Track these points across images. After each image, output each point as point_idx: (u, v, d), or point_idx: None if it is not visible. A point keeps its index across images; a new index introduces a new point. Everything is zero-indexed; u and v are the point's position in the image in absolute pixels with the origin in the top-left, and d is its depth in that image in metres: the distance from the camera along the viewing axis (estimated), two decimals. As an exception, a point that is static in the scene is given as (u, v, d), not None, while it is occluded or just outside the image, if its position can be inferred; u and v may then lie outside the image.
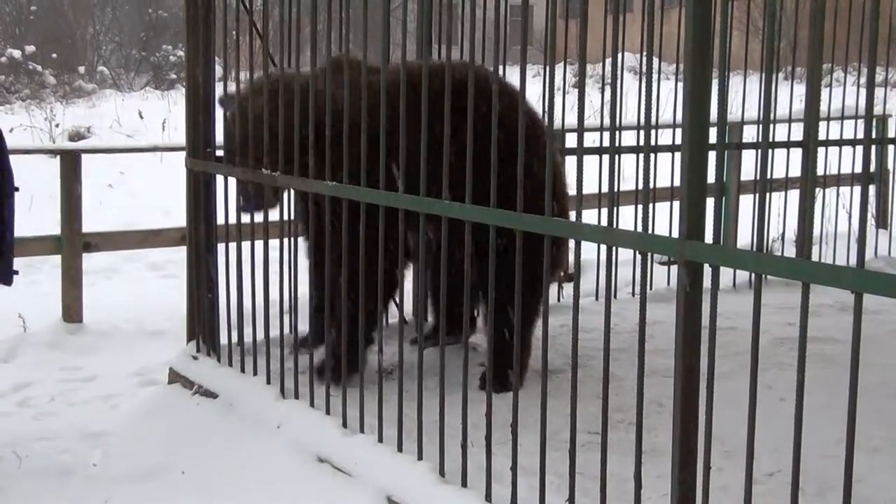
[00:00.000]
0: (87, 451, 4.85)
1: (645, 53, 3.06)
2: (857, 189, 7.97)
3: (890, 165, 9.20)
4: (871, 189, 9.05)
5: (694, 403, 2.85)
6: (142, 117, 17.41)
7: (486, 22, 6.27)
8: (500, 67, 3.62)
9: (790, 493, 2.57)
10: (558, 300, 6.49)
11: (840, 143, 7.53)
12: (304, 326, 4.77)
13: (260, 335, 4.88)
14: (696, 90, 2.77)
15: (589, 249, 4.65)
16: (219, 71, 5.40)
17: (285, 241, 4.61)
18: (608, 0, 5.95)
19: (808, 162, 2.50)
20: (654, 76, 3.48)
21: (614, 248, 3.47)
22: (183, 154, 5.45)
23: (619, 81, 3.80)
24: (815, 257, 6.97)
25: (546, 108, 3.78)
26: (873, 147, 8.93)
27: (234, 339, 5.17)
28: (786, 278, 2.55)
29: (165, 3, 32.65)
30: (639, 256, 3.90)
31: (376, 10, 4.65)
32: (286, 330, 4.66)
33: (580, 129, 3.23)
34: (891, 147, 9.17)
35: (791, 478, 2.58)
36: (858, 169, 7.91)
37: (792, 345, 5.13)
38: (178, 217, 7.08)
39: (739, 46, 7.30)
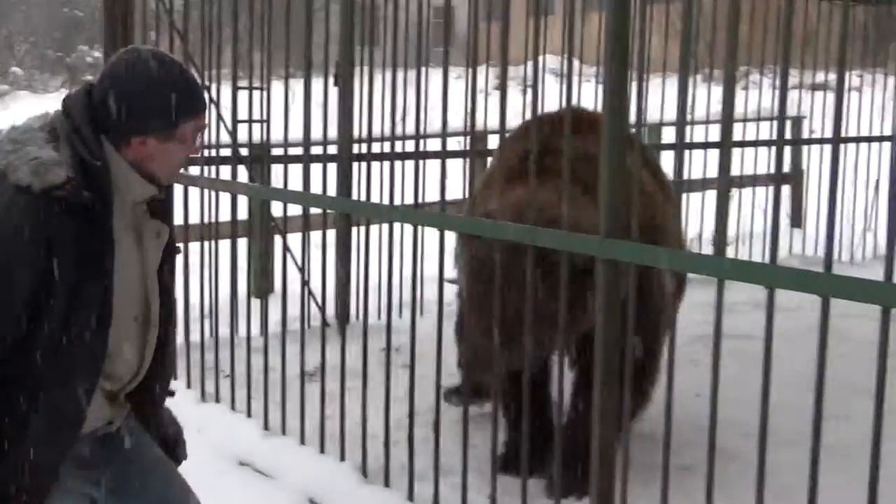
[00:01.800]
0: None
1: (565, 56, 3.09)
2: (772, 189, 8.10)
3: (804, 165, 9.39)
4: (786, 189, 9.23)
5: (613, 398, 2.88)
6: (58, 119, 17.06)
7: (409, 24, 6.28)
8: (423, 69, 3.62)
9: (705, 487, 2.62)
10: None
11: (755, 143, 7.68)
12: (224, 329, 4.72)
13: (180, 339, 4.83)
14: (614, 92, 2.81)
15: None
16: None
17: (205, 244, 4.58)
18: (530, 2, 5.99)
19: (723, 162, 2.55)
20: (575, 78, 3.51)
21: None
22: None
23: (541, 84, 3.82)
24: (731, 255, 7.11)
25: (468, 110, 3.79)
26: (788, 147, 9.13)
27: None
28: (700, 274, 2.59)
29: (80, 2, 32.10)
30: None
31: (298, 11, 4.64)
32: (206, 334, 4.62)
33: (502, 131, 3.26)
34: (805, 147, 9.35)
35: (706, 470, 2.62)
36: (768, 169, 8.08)
37: (708, 342, 5.22)
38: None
39: (659, 48, 7.39)
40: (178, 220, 4.74)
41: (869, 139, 8.29)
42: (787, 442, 3.96)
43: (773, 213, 2.46)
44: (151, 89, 2.13)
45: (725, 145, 7.04)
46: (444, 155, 3.44)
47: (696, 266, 2.64)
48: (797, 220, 9.39)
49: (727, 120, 6.98)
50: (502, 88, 3.39)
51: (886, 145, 8.22)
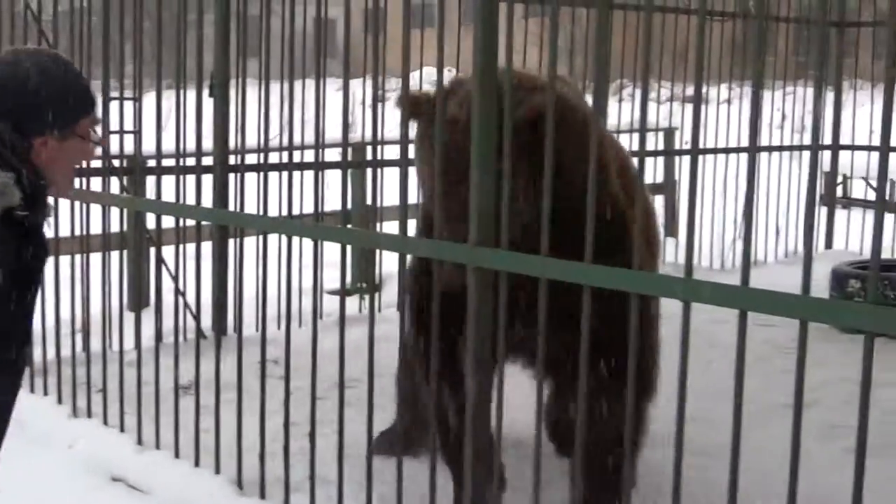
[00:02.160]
0: None
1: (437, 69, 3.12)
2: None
3: (676, 176, 9.63)
4: (660, 198, 9.46)
5: (487, 408, 2.93)
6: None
7: (286, 34, 6.26)
8: (301, 80, 3.63)
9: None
10: (359, 311, 6.52)
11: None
12: (96, 344, 4.64)
13: (50, 354, 4.74)
14: (484, 104, 2.85)
15: (390, 261, 4.68)
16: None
17: (76, 258, 4.50)
18: (409, 15, 6.02)
19: (593, 172, 2.61)
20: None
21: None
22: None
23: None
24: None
25: (344, 122, 3.80)
26: (661, 158, 9.35)
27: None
28: (571, 280, 2.64)
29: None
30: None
31: (172, 22, 4.59)
32: (78, 349, 4.54)
33: (378, 142, 3.28)
34: (677, 159, 9.59)
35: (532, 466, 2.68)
36: (648, 180, 8.28)
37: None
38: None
39: (535, 60, 7.51)
40: (48, 232, 4.68)
41: (738, 150, 8.55)
42: (657, 444, 4.08)
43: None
44: (47, 85, 2.12)
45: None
46: (318, 166, 3.45)
47: (568, 274, 2.67)
48: (671, 229, 9.62)
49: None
50: (374, 99, 3.42)
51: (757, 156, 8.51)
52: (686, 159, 8.60)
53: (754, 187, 2.34)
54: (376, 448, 3.41)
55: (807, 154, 9.04)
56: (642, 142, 2.66)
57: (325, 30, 3.38)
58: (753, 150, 2.36)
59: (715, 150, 8.25)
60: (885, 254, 8.25)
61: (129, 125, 4.66)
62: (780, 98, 9.54)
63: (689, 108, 7.93)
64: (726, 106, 8.70)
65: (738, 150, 8.51)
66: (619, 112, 7.89)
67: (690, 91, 8.43)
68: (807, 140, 9.44)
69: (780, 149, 9.17)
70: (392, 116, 3.72)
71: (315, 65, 3.54)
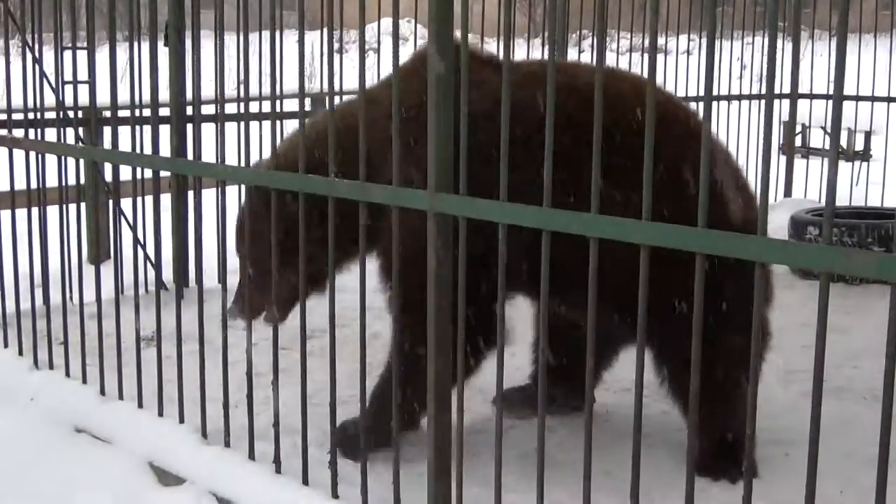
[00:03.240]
0: None
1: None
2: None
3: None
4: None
5: (447, 349, 2.94)
6: None
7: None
8: (252, 32, 3.60)
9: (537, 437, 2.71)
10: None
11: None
12: (56, 297, 4.62)
13: (10, 307, 4.71)
14: (441, 52, 2.84)
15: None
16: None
17: (34, 210, 4.46)
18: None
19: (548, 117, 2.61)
20: (413, 40, 3.52)
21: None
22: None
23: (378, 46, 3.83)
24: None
25: (300, 72, 3.76)
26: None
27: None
28: (528, 225, 2.65)
29: None
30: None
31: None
32: (38, 301, 4.52)
33: (336, 93, 3.27)
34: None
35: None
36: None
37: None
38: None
39: (493, 11, 7.49)
40: (3, 185, 4.63)
41: (697, 98, 8.58)
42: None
43: (594, 168, 2.53)
44: None
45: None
46: (275, 116, 3.43)
47: (528, 219, 2.67)
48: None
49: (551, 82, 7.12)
50: (330, 51, 3.40)
51: (723, 105, 8.59)
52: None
53: (709, 135, 2.35)
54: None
55: (775, 103, 9.17)
56: (599, 94, 2.65)
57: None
58: (709, 98, 2.37)
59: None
60: (843, 202, 8.38)
61: (83, 77, 4.61)
62: (739, 48, 9.56)
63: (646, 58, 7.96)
64: (685, 57, 8.71)
65: (696, 98, 8.54)
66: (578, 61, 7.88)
67: (659, 43, 8.37)
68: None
69: (739, 98, 9.21)
70: (349, 68, 3.70)
71: (270, 17, 3.52)
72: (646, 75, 2.50)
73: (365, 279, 3.12)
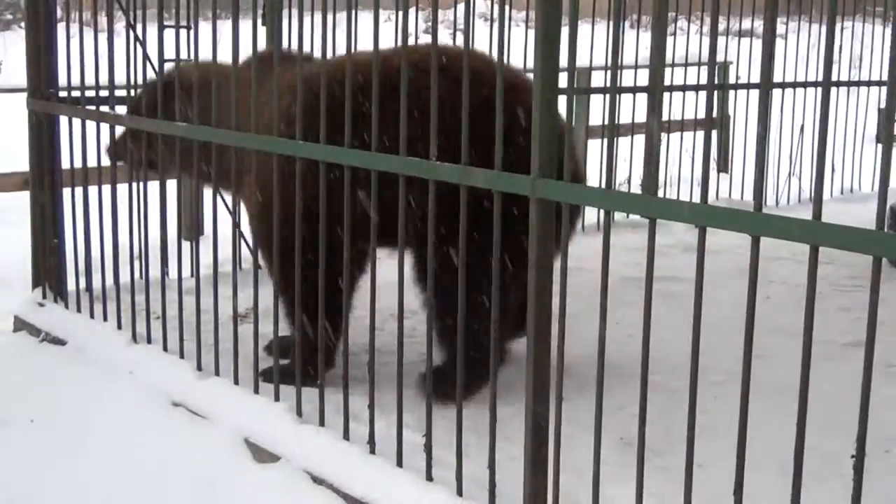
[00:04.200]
0: (-74, 403, 4.69)
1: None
2: (701, 135, 8.23)
3: (730, 111, 9.51)
4: (713, 134, 9.36)
5: (546, 340, 2.92)
6: (-25, 58, 16.69)
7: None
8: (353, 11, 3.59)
9: (637, 424, 2.68)
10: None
11: (683, 88, 7.76)
12: (155, 270, 4.69)
13: (109, 281, 4.80)
14: (547, 36, 2.82)
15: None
16: (58, 12, 5.22)
17: (133, 185, 4.53)
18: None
19: (655, 102, 2.58)
20: (506, 23, 3.50)
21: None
22: (24, 96, 5.26)
23: (470, 28, 3.80)
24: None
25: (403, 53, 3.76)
26: (714, 93, 9.23)
27: (83, 285, 5.06)
28: (633, 213, 2.63)
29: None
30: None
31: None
32: (136, 275, 4.59)
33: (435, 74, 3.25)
34: (731, 93, 9.47)
35: (638, 410, 2.68)
36: (696, 114, 8.18)
37: (638, 284, 5.30)
38: (18, 162, 6.83)
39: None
40: (106, 160, 4.72)
41: (794, 84, 8.42)
42: (716, 383, 4.07)
43: (703, 155, 2.50)
44: None
45: (657, 89, 7.11)
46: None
47: (630, 206, 2.67)
48: (723, 165, 9.53)
49: (658, 64, 7.03)
50: (434, 31, 3.38)
51: (811, 91, 8.36)
52: (742, 95, 8.48)
53: (827, 123, 2.29)
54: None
55: (863, 90, 8.92)
56: (711, 76, 2.60)
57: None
58: (827, 84, 2.31)
59: (780, 85, 8.10)
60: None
61: (184, 54, 4.67)
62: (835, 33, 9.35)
63: (743, 42, 7.80)
64: (781, 41, 8.55)
65: (803, 84, 8.38)
66: (675, 46, 7.77)
67: (745, 25, 8.26)
68: (863, 76, 9.26)
69: (839, 84, 8.99)
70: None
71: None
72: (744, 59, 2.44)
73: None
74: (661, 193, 7.56)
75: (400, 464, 3.33)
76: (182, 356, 4.28)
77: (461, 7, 9.20)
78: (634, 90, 7.31)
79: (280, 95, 3.92)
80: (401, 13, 3.72)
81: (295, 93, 3.79)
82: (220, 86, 4.04)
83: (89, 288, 4.99)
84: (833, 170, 8.79)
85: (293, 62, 3.94)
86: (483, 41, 6.49)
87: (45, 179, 5.14)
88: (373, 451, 3.43)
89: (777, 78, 8.25)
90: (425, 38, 7.93)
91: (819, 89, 2.27)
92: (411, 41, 6.79)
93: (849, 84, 8.86)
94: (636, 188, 7.85)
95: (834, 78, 8.90)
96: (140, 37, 4.63)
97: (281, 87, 3.92)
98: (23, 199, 5.94)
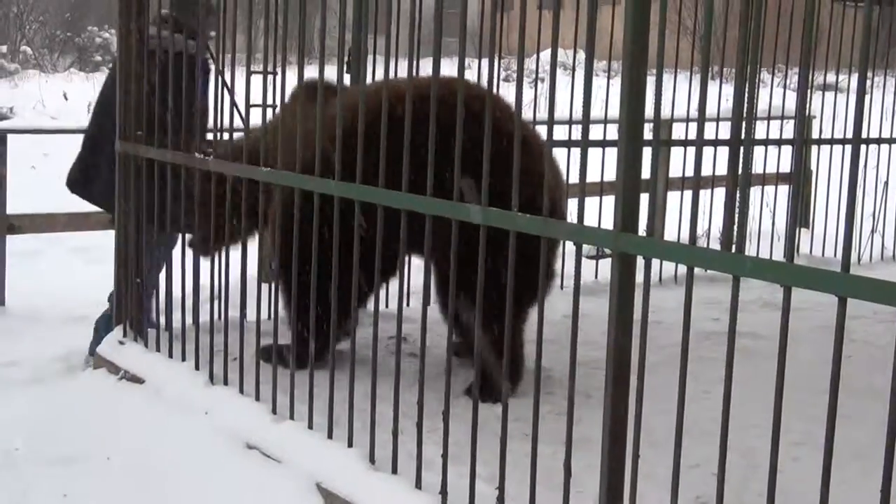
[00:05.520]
0: (9, 437, 4.78)
1: (581, 50, 3.09)
2: (780, 189, 8.13)
3: (812, 166, 9.39)
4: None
5: (624, 394, 2.90)
6: (66, 98, 17.16)
7: (423, 13, 6.28)
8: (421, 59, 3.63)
9: (716, 483, 2.63)
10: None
11: (766, 142, 7.68)
12: (234, 312, 4.74)
13: (189, 321, 4.86)
14: (634, 88, 2.82)
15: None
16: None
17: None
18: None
19: (739, 156, 2.56)
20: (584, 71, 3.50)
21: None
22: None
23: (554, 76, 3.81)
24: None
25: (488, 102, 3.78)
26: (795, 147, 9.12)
27: (163, 324, 5.13)
28: (717, 271, 2.60)
29: (91, -16, 32.13)
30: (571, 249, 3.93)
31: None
32: (216, 316, 4.64)
33: (518, 123, 3.26)
34: (814, 147, 9.35)
35: (717, 468, 2.63)
36: (778, 168, 8.08)
37: (717, 339, 5.23)
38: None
39: (670, 46, 7.42)
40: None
41: (879, 141, 8.30)
42: (797, 443, 3.99)
43: (790, 210, 2.46)
44: None
45: (743, 142, 7.03)
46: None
47: (714, 263, 2.64)
48: (804, 220, 9.40)
49: (742, 117, 6.96)
50: (519, 80, 3.39)
51: (895, 147, 8.23)
52: (825, 150, 8.37)
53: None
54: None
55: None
56: (801, 131, 2.58)
57: (465, 8, 3.36)
58: (857, 141, 2.28)
59: (867, 141, 7.97)
60: None
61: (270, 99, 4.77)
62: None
63: (828, 95, 7.71)
64: (867, 96, 8.44)
65: (887, 140, 8.26)
66: (757, 98, 7.69)
67: (829, 79, 8.15)
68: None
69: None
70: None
71: (434, 44, 3.56)
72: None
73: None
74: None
75: (473, 515, 3.31)
76: (258, 398, 4.31)
77: (543, 55, 9.21)
78: (716, 143, 7.25)
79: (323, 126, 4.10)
80: (486, 60, 3.74)
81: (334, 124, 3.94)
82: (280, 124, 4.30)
83: (169, 327, 5.05)
84: (919, 228, 8.63)
85: (335, 93, 4.11)
86: (560, 90, 6.50)
87: (130, 219, 5.23)
88: (444, 502, 3.41)
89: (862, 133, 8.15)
90: (504, 87, 7.97)
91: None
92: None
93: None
94: (715, 241, 7.76)
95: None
96: (227, 83, 4.72)
97: (325, 119, 4.10)
98: (108, 238, 6.06)
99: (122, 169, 5.25)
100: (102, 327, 5.75)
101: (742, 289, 2.64)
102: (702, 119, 2.81)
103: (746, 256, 2.50)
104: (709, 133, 7.41)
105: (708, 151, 7.15)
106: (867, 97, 8.32)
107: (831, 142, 8.23)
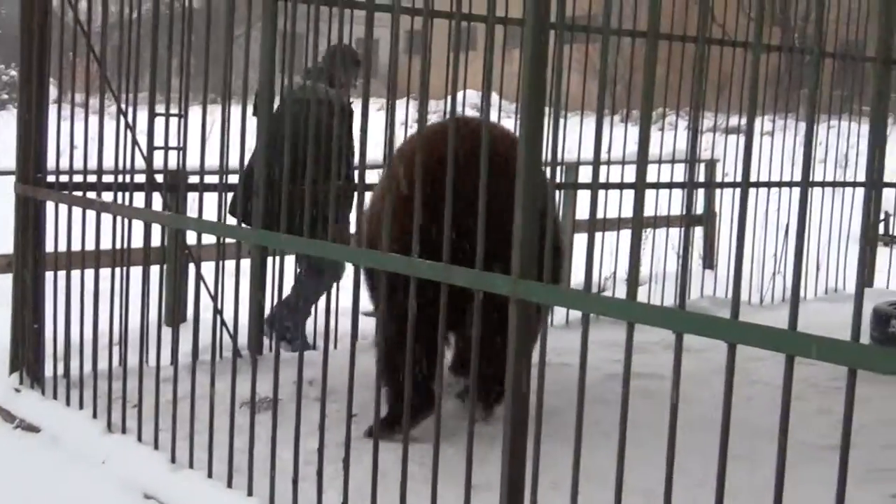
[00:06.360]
0: None
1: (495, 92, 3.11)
2: (693, 230, 8.25)
3: (717, 208, 9.56)
4: (699, 230, 9.40)
5: (522, 438, 2.89)
6: (-30, 137, 16.76)
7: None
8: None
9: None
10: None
11: (670, 185, 7.81)
12: (133, 359, 4.65)
13: (87, 367, 4.75)
14: (531, 129, 2.83)
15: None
16: (53, 92, 5.25)
17: (117, 270, 4.51)
18: (451, 37, 6.04)
19: (638, 203, 2.59)
20: (495, 113, 3.53)
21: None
22: (12, 178, 5.27)
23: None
24: (643, 296, 7.20)
25: (387, 142, 3.79)
26: (701, 190, 9.31)
27: (60, 371, 5.01)
28: (611, 317, 2.62)
29: (-2, 20, 31.58)
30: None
31: (219, 37, 4.61)
32: (115, 362, 4.55)
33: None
34: (718, 190, 9.53)
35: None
36: (685, 211, 8.21)
37: (620, 381, 5.26)
38: (4, 243, 6.81)
39: (578, 87, 7.50)
40: (90, 244, 4.70)
41: (779, 184, 8.48)
42: (698, 484, 4.02)
43: (682, 255, 2.50)
44: None
45: (640, 186, 7.14)
46: (358, 187, 3.44)
47: (608, 310, 2.66)
48: (709, 261, 9.55)
49: (642, 161, 7.08)
50: (422, 121, 3.40)
51: (796, 190, 8.41)
52: (728, 192, 8.53)
53: (805, 224, 2.29)
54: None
55: (848, 190, 8.99)
56: (692, 173, 2.63)
57: (372, 50, 3.37)
58: (806, 184, 2.32)
59: (756, 184, 8.15)
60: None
61: (173, 142, 4.69)
62: (822, 131, 9.42)
63: (730, 139, 7.86)
64: (768, 138, 8.63)
65: (785, 184, 8.43)
66: (662, 142, 7.82)
67: (732, 122, 8.32)
68: (849, 176, 9.32)
69: (823, 184, 9.02)
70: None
71: (363, 84, 3.55)
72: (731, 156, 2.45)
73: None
74: (646, 290, 7.55)
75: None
76: (157, 447, 4.22)
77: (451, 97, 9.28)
78: (621, 186, 7.34)
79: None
80: (389, 102, 3.72)
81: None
82: None
83: (67, 374, 4.93)
84: (818, 268, 8.81)
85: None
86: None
87: (28, 263, 5.12)
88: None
89: (763, 176, 8.32)
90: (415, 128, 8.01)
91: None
92: (400, 131, 6.85)
93: (833, 185, 8.93)
94: (620, 282, 7.85)
95: (818, 178, 8.96)
96: (130, 123, 4.66)
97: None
98: (6, 281, 5.90)
99: (20, 211, 5.14)
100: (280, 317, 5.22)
101: (646, 330, 2.67)
102: (597, 162, 2.84)
103: (637, 303, 2.52)
104: (626, 176, 7.50)
105: (616, 195, 7.26)
106: (770, 139, 8.54)
107: (732, 185, 8.39)
